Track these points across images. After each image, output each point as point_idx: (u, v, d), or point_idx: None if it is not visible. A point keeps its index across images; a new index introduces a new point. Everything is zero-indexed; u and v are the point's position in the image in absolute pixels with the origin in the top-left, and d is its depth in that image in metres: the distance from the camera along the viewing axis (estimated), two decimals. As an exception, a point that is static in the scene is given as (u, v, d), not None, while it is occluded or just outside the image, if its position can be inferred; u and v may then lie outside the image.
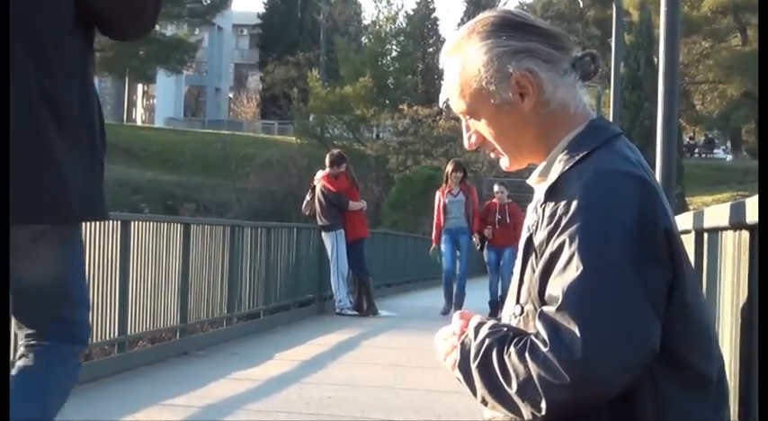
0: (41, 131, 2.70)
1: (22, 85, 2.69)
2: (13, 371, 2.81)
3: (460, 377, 1.81)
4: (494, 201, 13.03)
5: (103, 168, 2.85)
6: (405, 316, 12.52)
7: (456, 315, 1.90)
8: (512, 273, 1.92)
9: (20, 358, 2.83)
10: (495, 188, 13.26)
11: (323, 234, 12.12)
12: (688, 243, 3.48)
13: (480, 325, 1.82)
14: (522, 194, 11.47)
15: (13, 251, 2.70)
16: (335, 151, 13.04)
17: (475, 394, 1.79)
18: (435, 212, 12.55)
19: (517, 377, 1.70)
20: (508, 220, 12.51)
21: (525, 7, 52.71)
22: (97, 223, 6.17)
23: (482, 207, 13.00)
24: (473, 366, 1.77)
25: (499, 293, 12.53)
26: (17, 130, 2.67)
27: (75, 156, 2.74)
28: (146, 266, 7.58)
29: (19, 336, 2.86)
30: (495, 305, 12.58)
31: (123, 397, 5.90)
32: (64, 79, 2.74)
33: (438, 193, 12.62)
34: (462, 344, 1.81)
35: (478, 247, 12.84)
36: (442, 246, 12.47)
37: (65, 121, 2.73)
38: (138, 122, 62.76)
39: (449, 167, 12.76)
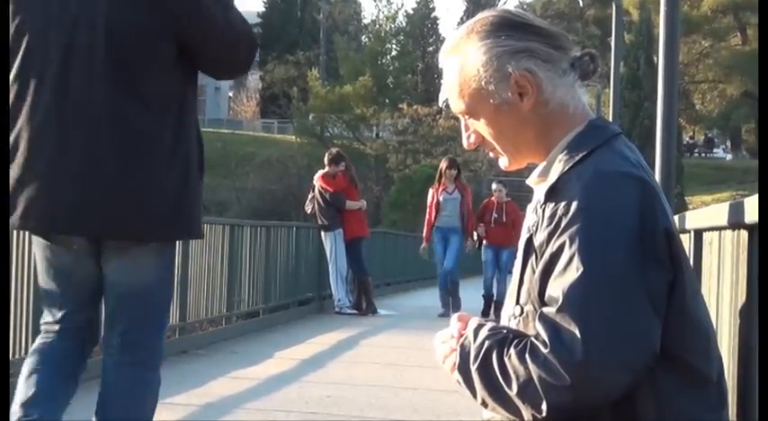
0: (130, 159, 2.95)
1: (117, 121, 2.95)
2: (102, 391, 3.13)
3: (460, 379, 1.80)
4: (492, 199, 12.98)
5: (197, 194, 3.10)
6: (404, 315, 12.51)
7: (454, 317, 1.90)
8: (510, 272, 1.92)
9: (105, 370, 3.19)
10: (494, 186, 13.14)
11: (322, 234, 12.11)
12: (687, 242, 3.48)
13: (480, 327, 1.81)
14: (521, 194, 11.46)
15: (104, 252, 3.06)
16: (334, 150, 13.00)
17: (475, 396, 1.78)
18: (427, 210, 12.47)
19: (517, 379, 1.70)
20: (505, 219, 12.47)
21: (525, 7, 52.72)
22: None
23: (479, 206, 12.94)
24: (473, 368, 1.76)
25: (494, 289, 12.49)
26: (110, 154, 2.94)
27: (164, 183, 2.99)
28: (145, 265, 7.56)
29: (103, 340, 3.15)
30: (489, 298, 12.54)
31: (122, 396, 5.88)
32: (158, 113, 2.99)
33: (431, 191, 12.50)
34: (461, 346, 1.80)
35: (476, 247, 12.77)
36: (435, 246, 12.39)
37: (155, 153, 2.98)
38: (138, 121, 62.62)
39: (443, 164, 12.63)
